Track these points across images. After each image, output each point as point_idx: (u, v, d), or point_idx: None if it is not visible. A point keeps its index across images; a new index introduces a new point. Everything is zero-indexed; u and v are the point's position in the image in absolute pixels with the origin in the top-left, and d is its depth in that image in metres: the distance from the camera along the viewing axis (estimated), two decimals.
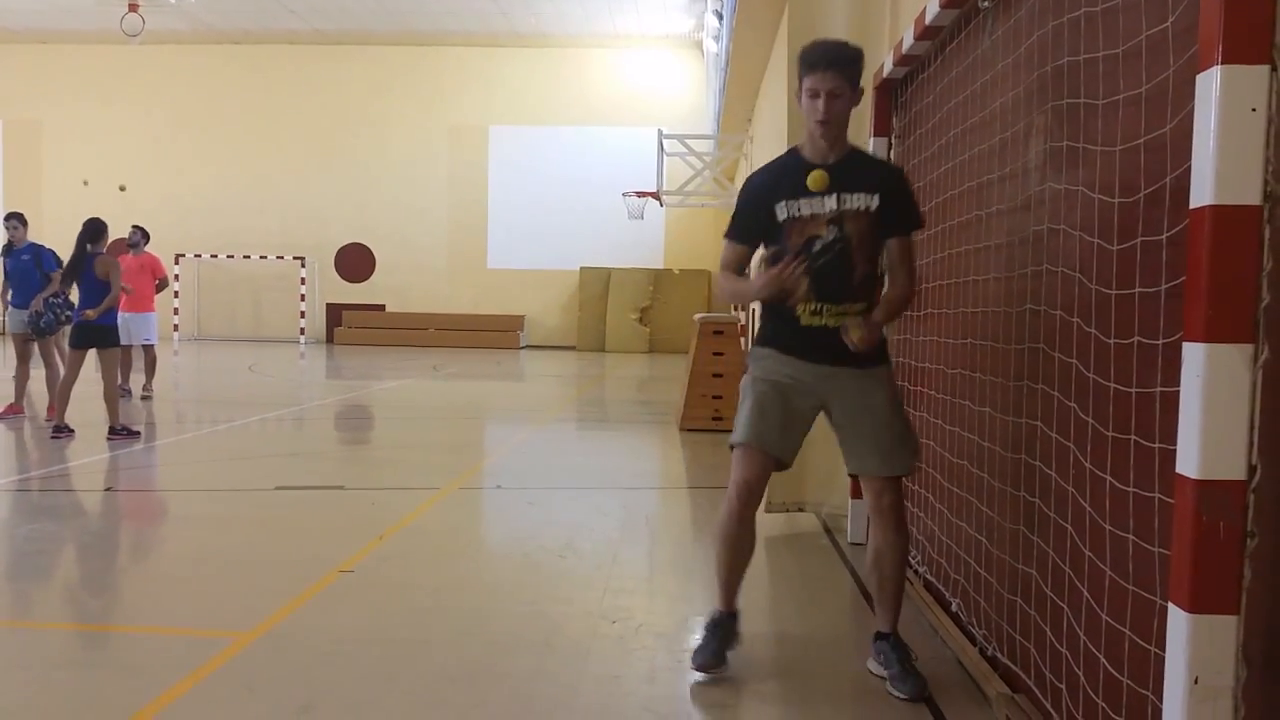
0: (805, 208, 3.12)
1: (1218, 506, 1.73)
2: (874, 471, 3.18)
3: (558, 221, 24.92)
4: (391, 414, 11.38)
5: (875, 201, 3.12)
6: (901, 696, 3.07)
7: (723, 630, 3.29)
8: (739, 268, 3.31)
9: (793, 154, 3.26)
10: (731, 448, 3.27)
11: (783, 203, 3.14)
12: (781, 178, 3.21)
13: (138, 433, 8.39)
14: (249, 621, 3.66)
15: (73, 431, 8.23)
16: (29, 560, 4.60)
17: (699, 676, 3.24)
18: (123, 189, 25.77)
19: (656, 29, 23.84)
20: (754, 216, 3.23)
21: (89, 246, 8.25)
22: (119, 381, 11.01)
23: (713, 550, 3.37)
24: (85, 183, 26.24)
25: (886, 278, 3.27)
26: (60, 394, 8.44)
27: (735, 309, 9.76)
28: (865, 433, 3.16)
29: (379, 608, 3.93)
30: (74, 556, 4.79)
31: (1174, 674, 1.77)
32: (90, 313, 8.03)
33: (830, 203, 3.11)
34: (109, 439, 8.06)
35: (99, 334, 8.16)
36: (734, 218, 3.32)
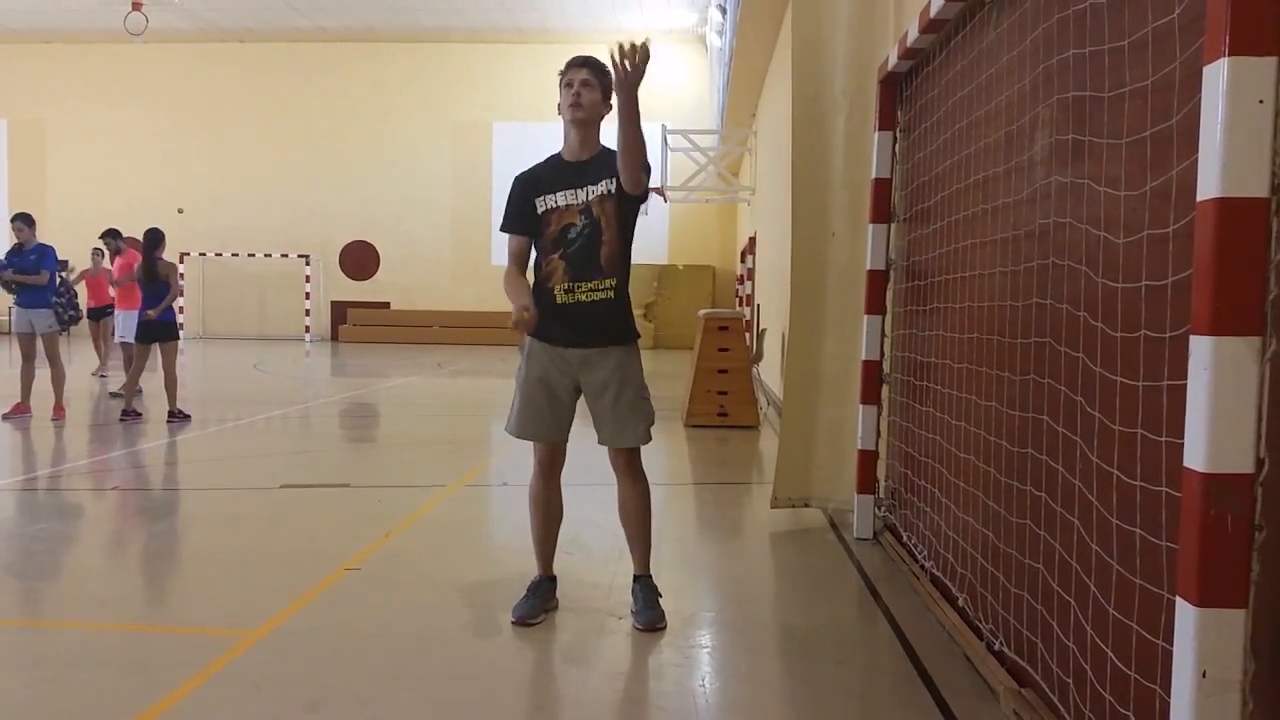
0: (562, 199, 3.64)
1: (1225, 500, 1.72)
2: (609, 444, 3.71)
3: None
4: (397, 412, 11.40)
5: (614, 184, 3.58)
6: (639, 627, 3.61)
7: (541, 591, 3.80)
8: (519, 254, 3.74)
9: (555, 156, 3.77)
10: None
11: (542, 197, 3.66)
12: (542, 175, 3.73)
13: (188, 416, 9.41)
14: (256, 619, 3.67)
15: (140, 415, 9.36)
16: (36, 559, 4.61)
17: (706, 672, 3.23)
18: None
19: (660, 24, 23.83)
20: (515, 209, 3.72)
21: (152, 253, 9.37)
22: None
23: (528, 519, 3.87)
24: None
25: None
26: (130, 384, 9.56)
27: (736, 305, 9.77)
28: (605, 408, 3.65)
29: (386, 605, 3.93)
30: (80, 555, 4.80)
31: (1182, 668, 1.77)
32: (151, 313, 9.19)
33: (581, 195, 3.63)
34: (168, 421, 9.15)
35: (161, 329, 9.31)
36: (505, 213, 3.76)
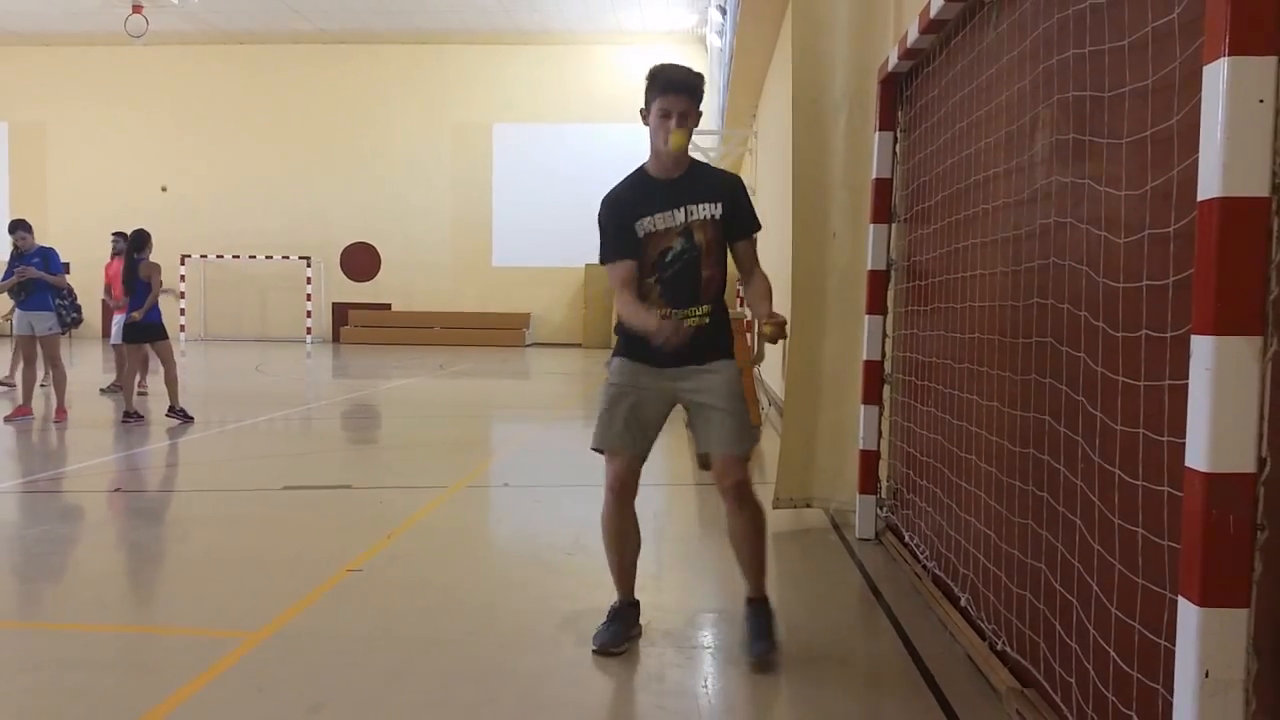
0: (660, 222, 3.39)
1: (1227, 499, 1.72)
2: (717, 449, 3.41)
3: (562, 219, 24.85)
4: (398, 413, 11.40)
5: (719, 210, 3.38)
6: (749, 658, 3.36)
7: (622, 618, 3.53)
8: (631, 280, 3.45)
9: (641, 172, 3.49)
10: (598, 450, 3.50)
11: (642, 219, 3.39)
12: (636, 195, 3.44)
13: (192, 418, 9.38)
14: (258, 621, 3.67)
15: (142, 417, 9.35)
16: (39, 561, 4.61)
17: (709, 672, 3.23)
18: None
19: (660, 25, 23.80)
20: (620, 234, 3.43)
21: (135, 254, 9.40)
22: (115, 379, 11.23)
23: (604, 546, 3.58)
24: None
25: (742, 277, 3.57)
26: (126, 387, 9.56)
27: (738, 305, 9.77)
28: (713, 419, 3.40)
29: (388, 606, 3.93)
30: (83, 557, 4.80)
31: (1184, 668, 1.77)
32: (136, 314, 9.20)
33: (679, 215, 3.38)
34: (168, 415, 9.29)
35: (148, 330, 9.36)
36: (604, 240, 3.48)
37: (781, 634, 3.50)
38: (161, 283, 9.49)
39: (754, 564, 3.54)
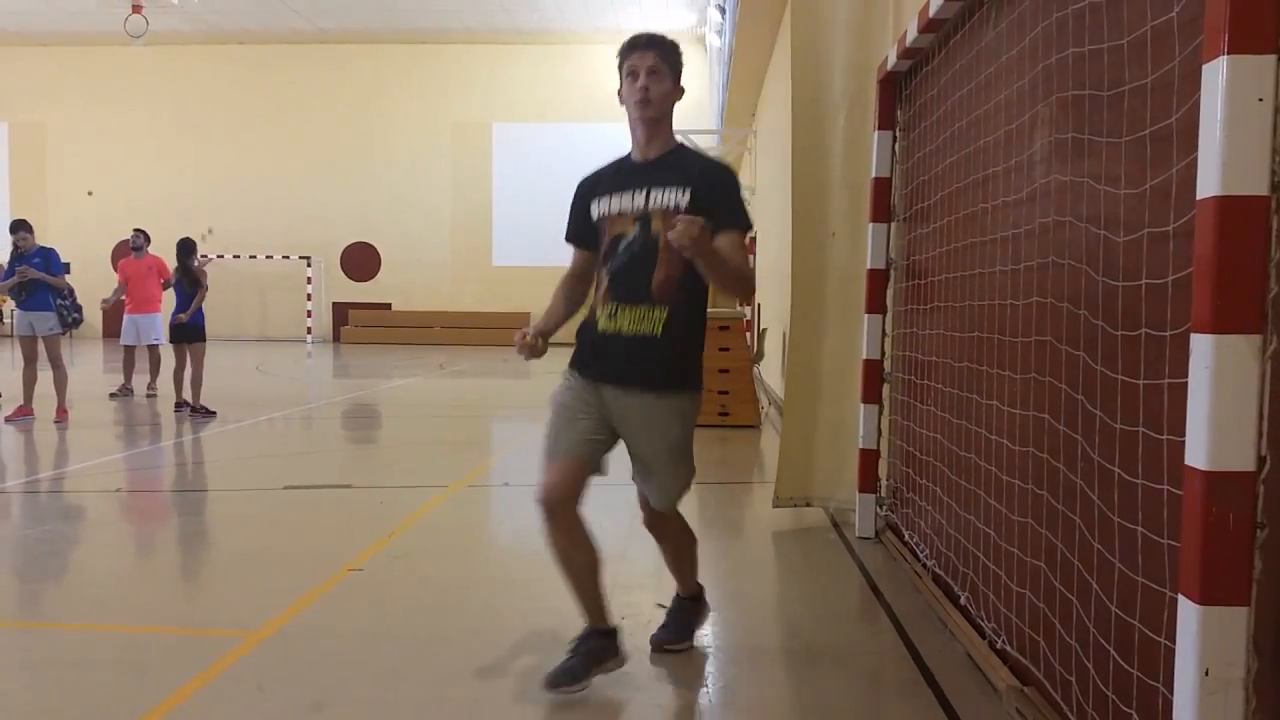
0: (616, 204, 3.01)
1: (1227, 498, 1.72)
2: (645, 495, 3.20)
3: (563, 218, 24.38)
4: (399, 413, 11.40)
5: (685, 197, 2.90)
6: (657, 638, 3.39)
7: (587, 650, 3.05)
8: (575, 271, 3.24)
9: (622, 158, 3.15)
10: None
11: (596, 200, 3.07)
12: (600, 178, 3.13)
13: (214, 413, 9.88)
14: (259, 620, 3.67)
15: (214, 413, 9.88)
16: (40, 561, 4.61)
17: (709, 671, 3.23)
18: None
19: (659, 24, 23.80)
20: (575, 216, 3.16)
21: (184, 260, 10.20)
22: (124, 381, 11.33)
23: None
24: (90, 193, 26.32)
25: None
26: (193, 383, 10.03)
27: (739, 304, 9.77)
28: (636, 461, 3.09)
29: (389, 606, 3.94)
30: (84, 557, 4.81)
31: (1184, 666, 1.77)
32: (183, 316, 10.00)
33: (638, 199, 2.97)
34: (193, 415, 9.81)
35: (193, 331, 10.09)
36: (567, 222, 3.22)
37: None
38: (207, 288, 10.28)
39: (680, 574, 3.46)
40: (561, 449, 2.97)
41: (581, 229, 3.13)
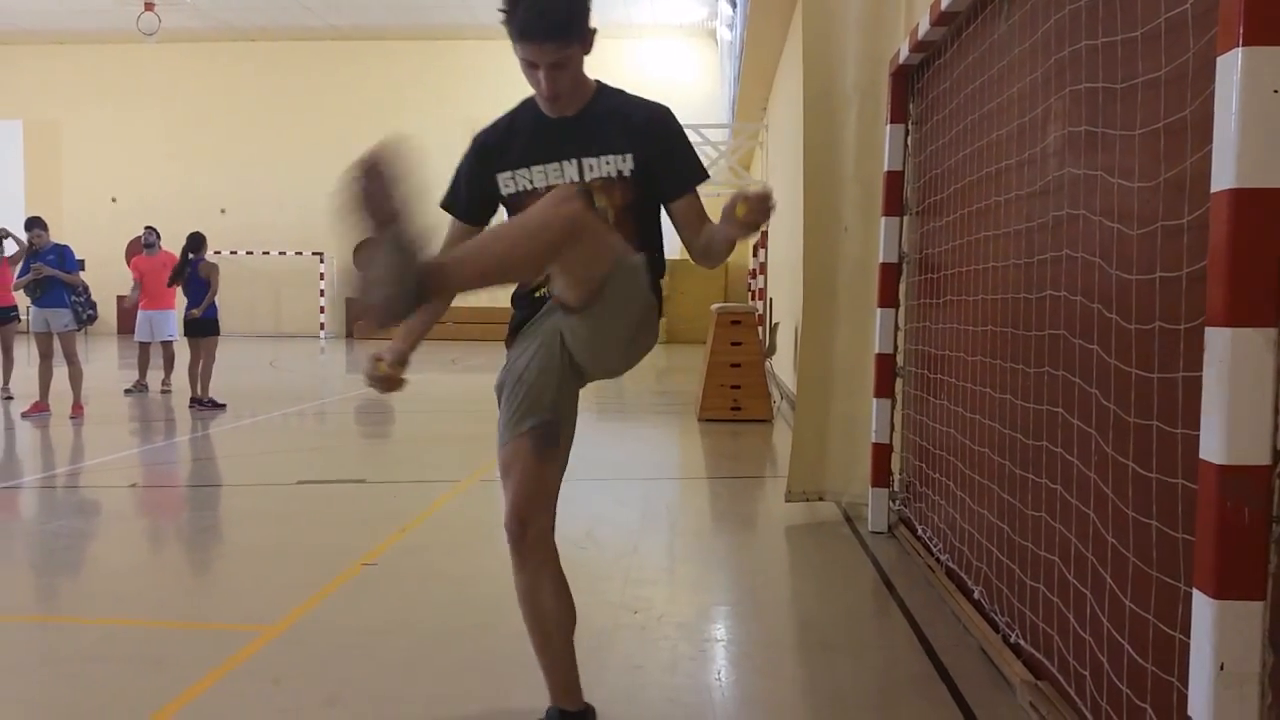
0: (539, 178, 2.43)
1: (1242, 492, 1.72)
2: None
3: None
4: (411, 408, 11.43)
5: (629, 163, 2.39)
6: None
7: None
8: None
9: (527, 106, 2.49)
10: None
11: (509, 173, 2.46)
12: (510, 138, 2.48)
13: (223, 405, 10.01)
14: (274, 615, 3.69)
15: (223, 405, 10.01)
16: (56, 556, 4.65)
17: (722, 665, 3.24)
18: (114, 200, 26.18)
19: (670, 18, 23.78)
20: (468, 184, 2.52)
21: (191, 255, 10.14)
22: (139, 377, 11.40)
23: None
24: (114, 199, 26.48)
25: (690, 244, 2.51)
26: (201, 374, 10.04)
27: (750, 298, 9.76)
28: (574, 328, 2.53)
29: (402, 600, 3.95)
30: (100, 552, 4.84)
31: (1199, 661, 1.76)
32: (196, 311, 10.03)
33: (570, 170, 2.41)
34: (202, 409, 9.84)
35: (206, 325, 10.14)
36: (450, 183, 2.58)
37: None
38: (216, 286, 10.24)
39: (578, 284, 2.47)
40: (517, 408, 2.72)
41: (477, 200, 2.52)
